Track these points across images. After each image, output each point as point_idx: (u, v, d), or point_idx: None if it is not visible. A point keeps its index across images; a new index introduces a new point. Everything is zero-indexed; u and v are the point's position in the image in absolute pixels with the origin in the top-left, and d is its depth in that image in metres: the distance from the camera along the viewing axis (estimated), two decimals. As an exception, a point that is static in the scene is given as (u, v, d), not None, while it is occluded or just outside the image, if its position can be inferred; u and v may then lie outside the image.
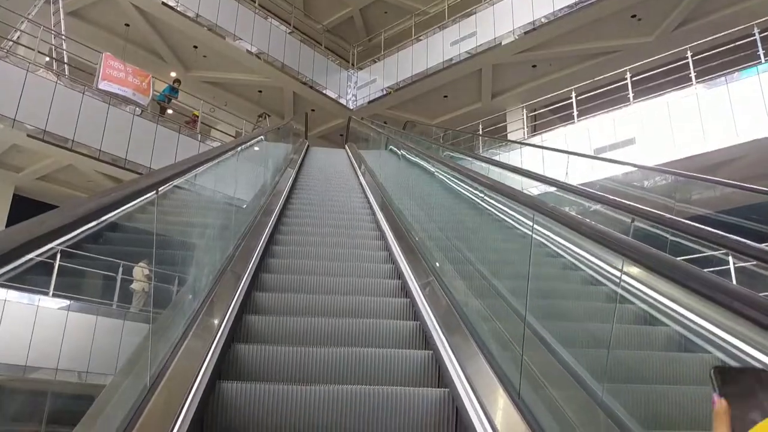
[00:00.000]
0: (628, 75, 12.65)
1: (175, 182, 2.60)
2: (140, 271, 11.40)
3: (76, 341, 10.57)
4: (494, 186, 2.55)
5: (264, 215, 5.13)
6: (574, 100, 13.42)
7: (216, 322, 3.03)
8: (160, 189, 2.08)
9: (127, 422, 1.91)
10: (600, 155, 12.07)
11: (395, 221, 5.41)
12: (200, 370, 2.50)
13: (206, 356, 2.63)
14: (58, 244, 1.47)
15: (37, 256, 1.30)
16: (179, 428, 2.06)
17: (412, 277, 3.88)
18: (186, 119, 15.80)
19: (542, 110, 15.97)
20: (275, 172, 7.75)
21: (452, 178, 3.82)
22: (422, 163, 5.07)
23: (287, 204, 6.85)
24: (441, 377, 2.93)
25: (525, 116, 15.53)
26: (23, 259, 1.24)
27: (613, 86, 12.95)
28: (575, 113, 13.33)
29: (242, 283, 3.67)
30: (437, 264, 3.69)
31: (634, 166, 7.55)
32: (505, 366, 2.53)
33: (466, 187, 3.59)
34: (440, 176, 4.00)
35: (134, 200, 1.92)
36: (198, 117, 15.47)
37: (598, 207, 3.79)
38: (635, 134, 12.15)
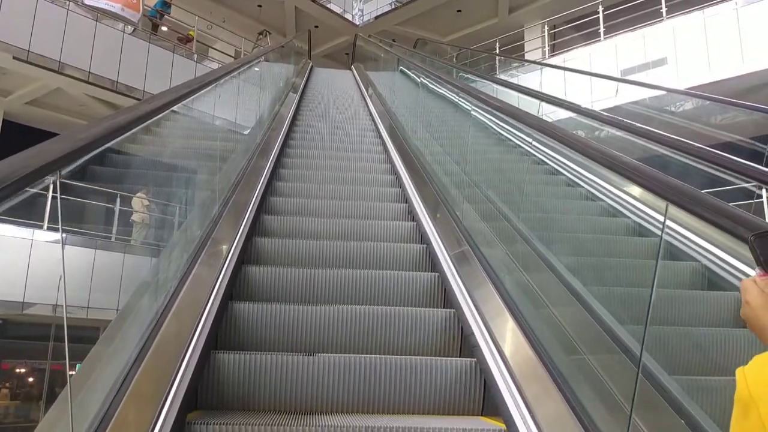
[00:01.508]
0: (662, -13, 11.49)
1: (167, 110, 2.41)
2: (139, 201, 10.95)
3: (74, 276, 10.21)
4: (612, 164, 1.77)
5: (259, 157, 4.44)
6: (601, 14, 12.28)
7: (225, 246, 3.04)
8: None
9: (146, 337, 1.98)
10: (627, 77, 11.16)
11: (411, 160, 4.72)
12: (213, 290, 2.59)
13: (218, 278, 2.73)
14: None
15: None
16: (195, 343, 2.20)
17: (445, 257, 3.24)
18: (179, 36, 14.67)
19: (563, 27, 14.78)
20: (274, 101, 6.93)
21: (500, 123, 3.15)
22: (450, 95, 4.32)
23: (288, 140, 6.09)
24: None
25: (546, 33, 14.37)
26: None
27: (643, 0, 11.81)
28: (602, 30, 12.24)
29: (250, 207, 3.53)
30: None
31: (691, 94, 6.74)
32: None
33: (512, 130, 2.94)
34: (479, 117, 3.29)
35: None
36: (193, 37, 14.39)
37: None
38: (667, 54, 11.15)
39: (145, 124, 1.97)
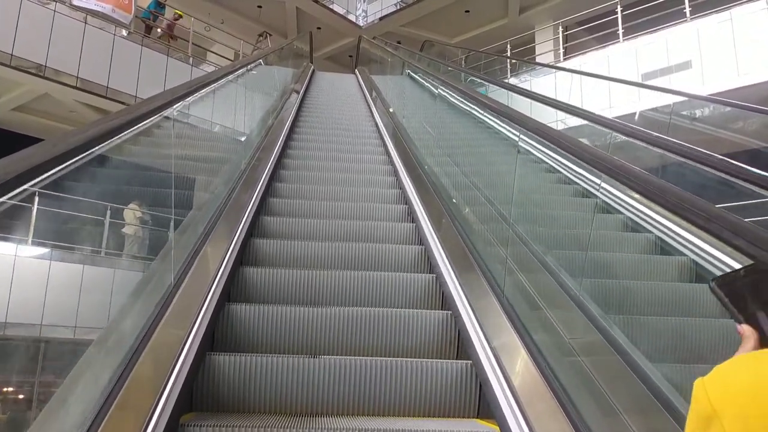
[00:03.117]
0: (686, -15, 10.77)
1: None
2: (132, 213, 10.37)
3: (60, 293, 9.63)
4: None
5: (242, 190, 3.63)
6: (619, 15, 11.57)
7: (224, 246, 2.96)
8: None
9: (143, 334, 1.97)
10: (649, 81, 10.48)
11: (431, 197, 3.84)
12: (210, 288, 2.58)
13: (215, 277, 2.70)
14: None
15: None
16: (190, 344, 2.18)
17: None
18: (169, 21, 13.74)
19: (577, 29, 14.06)
20: (267, 114, 6.11)
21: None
22: (481, 115, 3.56)
23: (278, 168, 5.02)
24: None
25: (560, 35, 13.66)
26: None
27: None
28: (620, 31, 11.53)
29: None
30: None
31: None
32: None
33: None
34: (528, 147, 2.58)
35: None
36: (181, 16, 13.57)
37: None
38: (691, 57, 10.45)
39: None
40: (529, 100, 6.46)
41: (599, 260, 2.98)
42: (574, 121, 6.56)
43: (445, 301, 3.03)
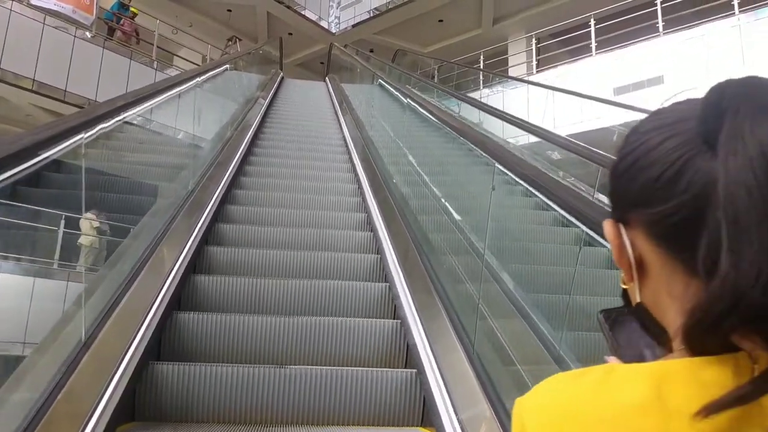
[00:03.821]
0: (659, 0, 10.76)
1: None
2: (88, 223, 9.91)
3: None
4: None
5: (186, 217, 3.30)
6: (593, 28, 11.52)
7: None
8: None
9: (83, 342, 1.97)
10: (621, 95, 10.40)
11: (391, 207, 3.68)
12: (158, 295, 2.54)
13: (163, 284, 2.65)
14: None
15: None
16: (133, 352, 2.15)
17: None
18: (124, 19, 13.04)
19: (550, 42, 14.01)
20: (225, 128, 5.67)
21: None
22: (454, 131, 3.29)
23: (224, 205, 4.32)
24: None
25: (534, 47, 13.57)
26: None
27: (639, 14, 11.08)
28: (593, 45, 11.47)
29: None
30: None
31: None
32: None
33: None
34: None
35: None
36: (137, 14, 13.01)
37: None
38: (664, 72, 10.43)
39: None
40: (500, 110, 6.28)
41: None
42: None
43: (396, 312, 3.00)
